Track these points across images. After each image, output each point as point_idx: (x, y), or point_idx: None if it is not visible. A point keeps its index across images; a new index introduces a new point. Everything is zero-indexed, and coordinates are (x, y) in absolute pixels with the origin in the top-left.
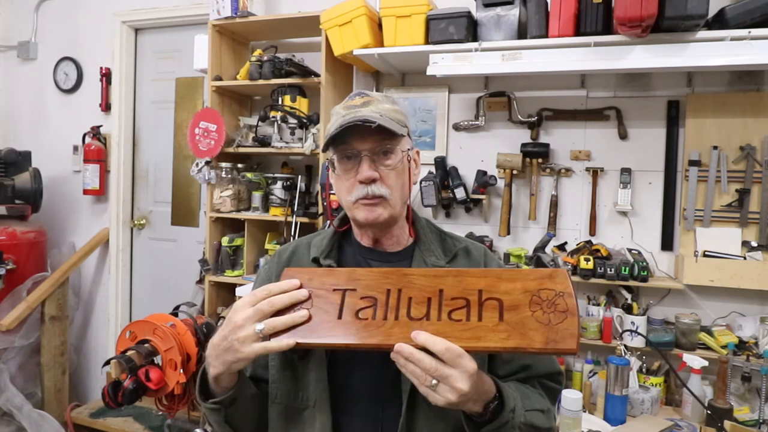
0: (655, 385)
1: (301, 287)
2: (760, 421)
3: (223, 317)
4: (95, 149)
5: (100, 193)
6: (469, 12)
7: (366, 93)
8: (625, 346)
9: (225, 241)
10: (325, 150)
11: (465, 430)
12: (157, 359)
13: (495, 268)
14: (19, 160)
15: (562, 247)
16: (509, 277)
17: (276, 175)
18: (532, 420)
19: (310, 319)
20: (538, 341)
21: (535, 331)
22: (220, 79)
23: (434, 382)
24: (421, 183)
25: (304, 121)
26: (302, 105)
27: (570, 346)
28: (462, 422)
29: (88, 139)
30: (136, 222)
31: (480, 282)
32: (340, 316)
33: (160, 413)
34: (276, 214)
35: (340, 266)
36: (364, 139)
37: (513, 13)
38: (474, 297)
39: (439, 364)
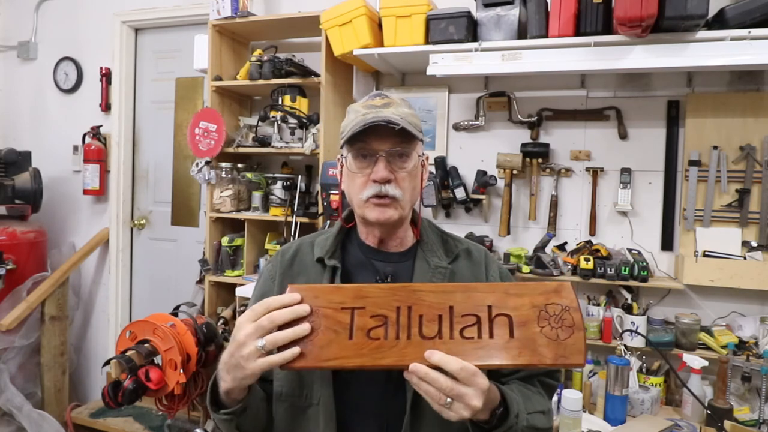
0: (655, 385)
1: (302, 301)
2: (760, 421)
3: (223, 317)
4: (95, 149)
5: (100, 193)
6: (469, 12)
7: (386, 95)
8: (625, 346)
9: (225, 241)
10: (341, 146)
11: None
12: (157, 359)
13: (497, 274)
14: (19, 160)
15: (562, 247)
16: (517, 292)
17: (276, 175)
18: (534, 423)
19: (312, 332)
20: (548, 357)
21: (545, 347)
22: (220, 79)
23: (449, 400)
24: None
25: (304, 121)
26: (302, 105)
27: (578, 361)
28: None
29: (88, 139)
30: (136, 222)
31: (489, 297)
32: (350, 336)
33: (160, 413)
34: (276, 214)
35: (344, 266)
36: (383, 140)
37: (513, 13)
38: (484, 314)
39: (455, 384)
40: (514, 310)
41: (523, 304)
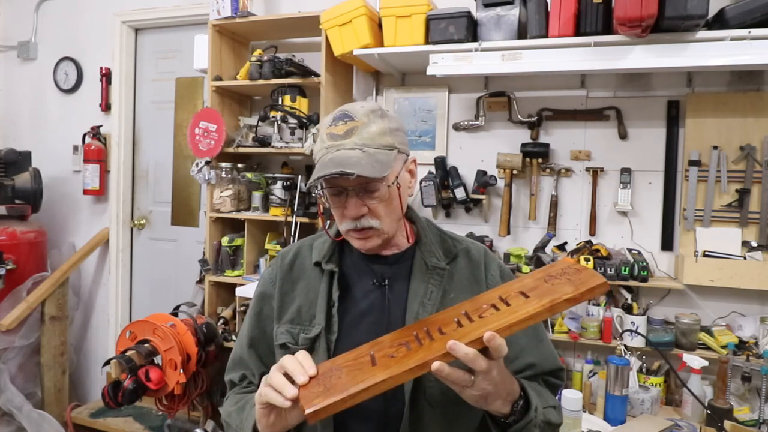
0: (655, 385)
1: (316, 374)
2: (760, 421)
3: (223, 317)
4: (95, 149)
5: (100, 193)
6: (469, 12)
7: (350, 116)
8: (625, 346)
9: (225, 241)
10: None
11: (481, 428)
12: (157, 359)
13: (497, 273)
14: (19, 160)
15: (562, 247)
16: (518, 279)
17: (276, 175)
18: (549, 417)
19: (335, 375)
20: (569, 291)
21: (562, 286)
22: (220, 79)
23: (472, 378)
24: (421, 183)
25: (304, 121)
26: (302, 105)
27: (599, 281)
28: (471, 420)
29: (88, 139)
30: (136, 222)
31: (495, 293)
32: (374, 364)
33: (160, 413)
34: (276, 214)
35: (341, 270)
36: (348, 178)
37: (513, 13)
38: (497, 301)
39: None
40: (521, 287)
41: (527, 282)
